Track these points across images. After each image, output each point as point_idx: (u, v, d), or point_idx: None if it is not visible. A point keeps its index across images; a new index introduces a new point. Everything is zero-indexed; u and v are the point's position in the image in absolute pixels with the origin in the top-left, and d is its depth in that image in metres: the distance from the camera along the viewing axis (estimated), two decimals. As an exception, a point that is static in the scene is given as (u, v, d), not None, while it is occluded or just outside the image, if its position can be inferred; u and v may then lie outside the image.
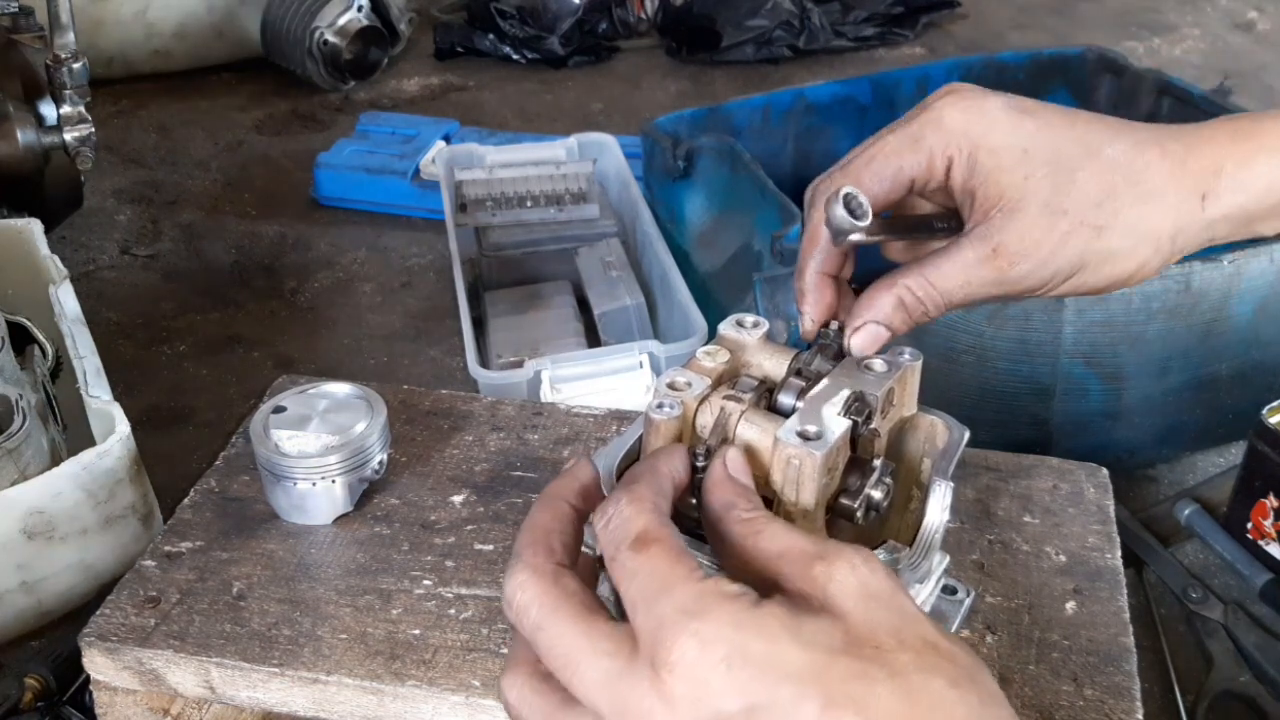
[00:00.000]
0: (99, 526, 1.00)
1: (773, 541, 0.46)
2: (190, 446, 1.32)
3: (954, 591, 0.62)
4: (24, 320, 1.17)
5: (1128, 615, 0.71)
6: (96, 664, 0.70)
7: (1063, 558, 0.75)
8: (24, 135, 1.47)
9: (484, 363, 1.31)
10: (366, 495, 0.79)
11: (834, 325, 0.63)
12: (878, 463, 0.56)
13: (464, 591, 0.72)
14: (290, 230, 1.83)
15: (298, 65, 2.28)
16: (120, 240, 1.81)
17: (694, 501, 0.56)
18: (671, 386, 0.58)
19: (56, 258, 1.23)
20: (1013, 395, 1.12)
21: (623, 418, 0.88)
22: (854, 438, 0.55)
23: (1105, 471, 0.82)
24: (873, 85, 1.63)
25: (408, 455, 0.83)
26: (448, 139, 1.95)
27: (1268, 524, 1.05)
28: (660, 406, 0.56)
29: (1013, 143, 0.59)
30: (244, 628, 0.70)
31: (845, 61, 2.46)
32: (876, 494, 0.56)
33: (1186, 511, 1.11)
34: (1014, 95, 0.61)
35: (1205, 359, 1.14)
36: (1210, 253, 1.12)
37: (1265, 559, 1.06)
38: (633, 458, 0.59)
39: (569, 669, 0.43)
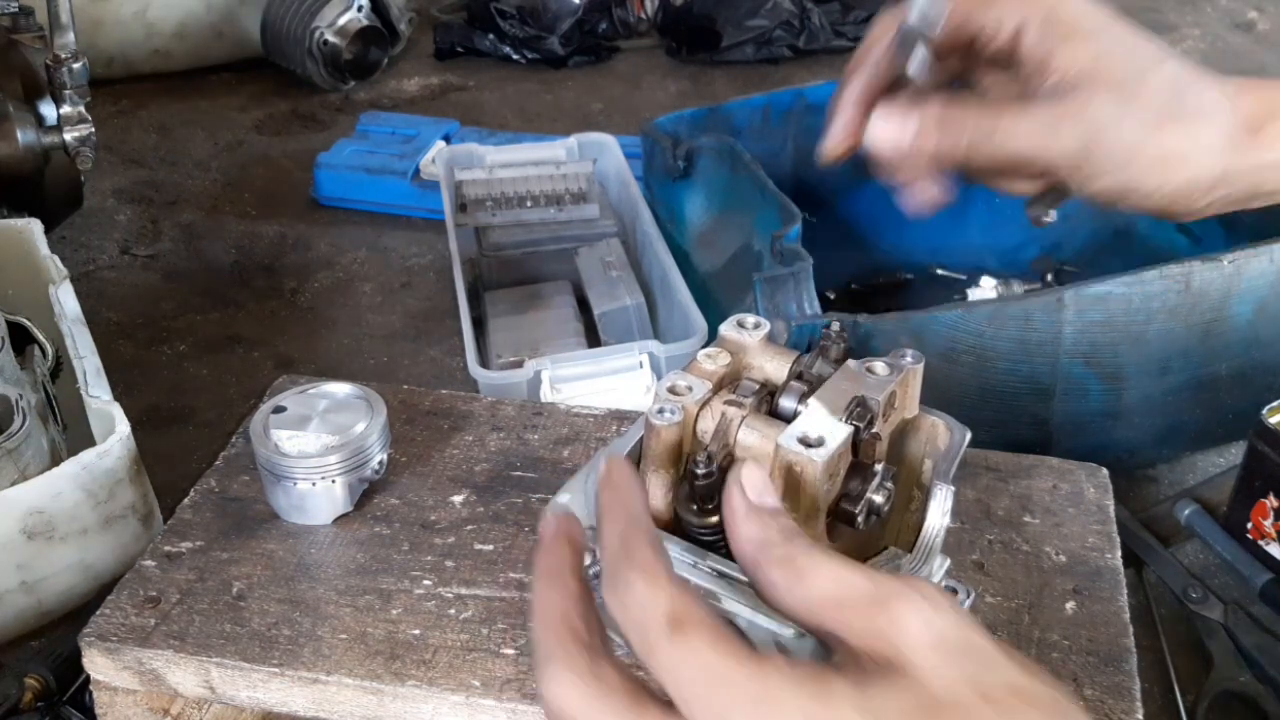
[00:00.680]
0: (99, 526, 1.00)
1: (824, 589, 0.42)
2: (190, 446, 1.32)
3: (954, 592, 0.62)
4: (24, 320, 1.17)
5: (1128, 615, 0.71)
6: (96, 664, 0.70)
7: (1063, 558, 0.75)
8: (24, 135, 1.47)
9: (484, 363, 1.31)
10: (366, 495, 0.79)
11: (834, 325, 0.63)
12: (879, 467, 0.56)
13: (464, 591, 0.72)
14: (290, 230, 1.83)
15: (298, 65, 2.28)
16: (120, 240, 1.81)
17: (694, 508, 0.56)
18: (672, 391, 0.58)
19: (56, 258, 1.23)
20: (1013, 395, 1.12)
21: (623, 418, 0.88)
22: (855, 442, 0.55)
23: (1105, 471, 0.83)
24: (873, 85, 1.62)
25: (408, 455, 0.83)
26: (448, 139, 1.95)
27: (1268, 524, 1.05)
28: (661, 412, 0.56)
29: (1088, 21, 0.61)
30: (244, 628, 0.70)
31: (845, 61, 2.45)
32: (878, 499, 0.56)
33: (1186, 511, 1.11)
34: None
35: (1205, 359, 1.14)
36: (1210, 253, 1.12)
37: (1265, 559, 1.06)
38: (634, 460, 0.59)
39: None
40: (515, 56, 2.48)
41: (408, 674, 0.66)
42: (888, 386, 0.58)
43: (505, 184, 1.59)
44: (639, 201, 1.54)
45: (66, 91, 1.47)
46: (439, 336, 1.55)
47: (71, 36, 1.46)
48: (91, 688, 0.72)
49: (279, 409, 0.78)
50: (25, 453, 0.99)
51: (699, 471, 0.54)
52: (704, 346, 0.62)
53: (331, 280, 1.70)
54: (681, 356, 1.20)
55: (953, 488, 0.60)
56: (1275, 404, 1.06)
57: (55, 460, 1.01)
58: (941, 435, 0.62)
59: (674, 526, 0.57)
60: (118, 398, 1.03)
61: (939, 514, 0.59)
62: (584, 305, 1.47)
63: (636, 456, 0.59)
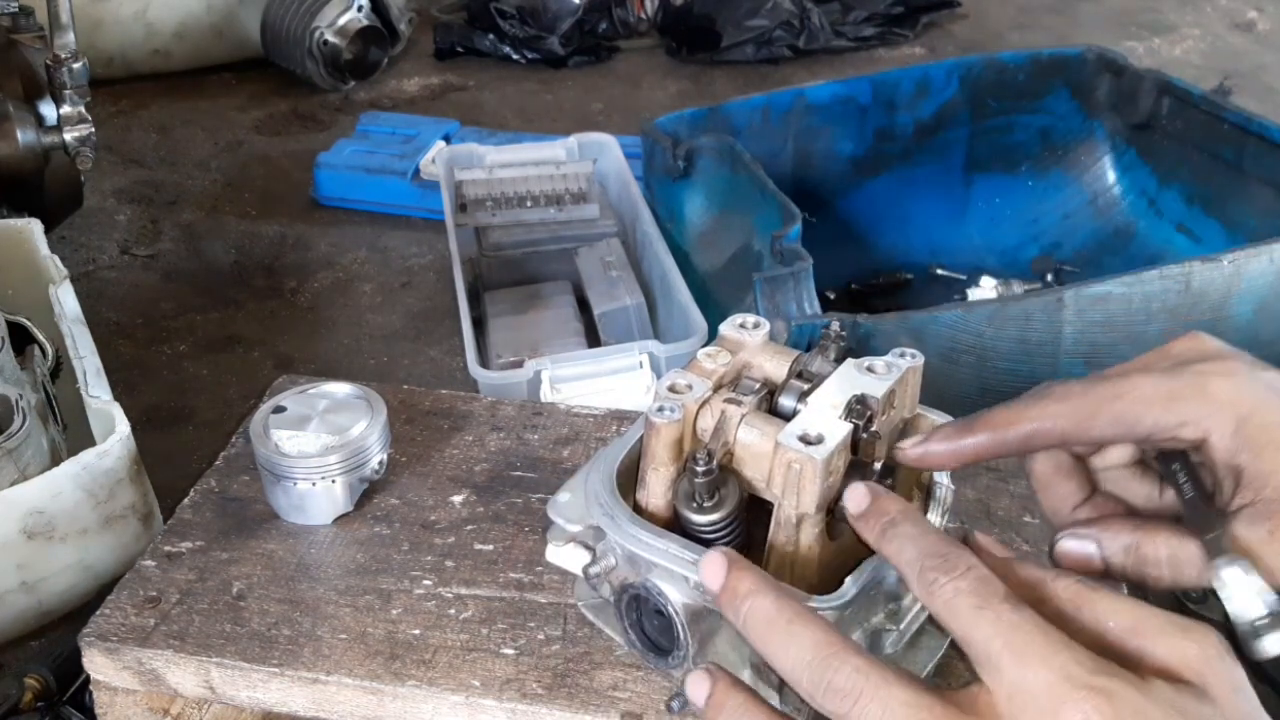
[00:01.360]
0: (99, 526, 1.00)
1: (1117, 616, 0.46)
2: (190, 446, 1.32)
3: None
4: (24, 320, 1.17)
5: (1128, 616, 0.71)
6: (96, 664, 0.70)
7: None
8: (24, 135, 1.47)
9: (484, 363, 1.31)
10: (366, 495, 0.79)
11: (834, 325, 0.63)
12: (879, 466, 0.56)
13: (464, 591, 0.72)
14: (290, 230, 1.83)
15: (298, 65, 2.28)
16: (120, 240, 1.81)
17: (694, 505, 0.56)
18: (672, 389, 0.58)
19: (56, 258, 1.23)
20: (1013, 395, 1.12)
21: (623, 418, 0.88)
22: (855, 440, 0.55)
23: (1105, 472, 0.82)
24: (873, 85, 1.63)
25: (408, 455, 0.83)
26: (448, 139, 1.95)
27: (1268, 524, 1.05)
28: (661, 410, 0.56)
29: None
30: (244, 628, 0.70)
31: (845, 61, 2.46)
32: None
33: (1186, 512, 1.11)
34: (1274, 369, 0.57)
35: (1205, 359, 1.14)
36: (1210, 253, 1.12)
37: (1265, 559, 1.06)
38: (633, 459, 0.59)
39: None
40: (515, 56, 2.48)
41: (408, 674, 0.66)
42: (887, 385, 0.58)
43: (505, 184, 1.59)
44: (639, 201, 1.54)
45: (66, 91, 1.47)
46: (439, 336, 1.55)
47: (71, 36, 1.46)
48: (91, 688, 0.72)
49: (279, 409, 0.78)
50: (25, 453, 0.99)
51: (699, 469, 0.54)
52: (704, 346, 0.62)
53: (331, 280, 1.70)
54: (681, 356, 1.20)
55: (953, 487, 0.60)
56: (1275, 404, 1.06)
57: (55, 460, 1.01)
58: (941, 435, 0.62)
59: (673, 524, 0.57)
60: (118, 398, 1.03)
61: (939, 514, 0.59)
62: (584, 305, 1.47)
63: (636, 455, 0.59)
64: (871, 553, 0.57)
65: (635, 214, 1.54)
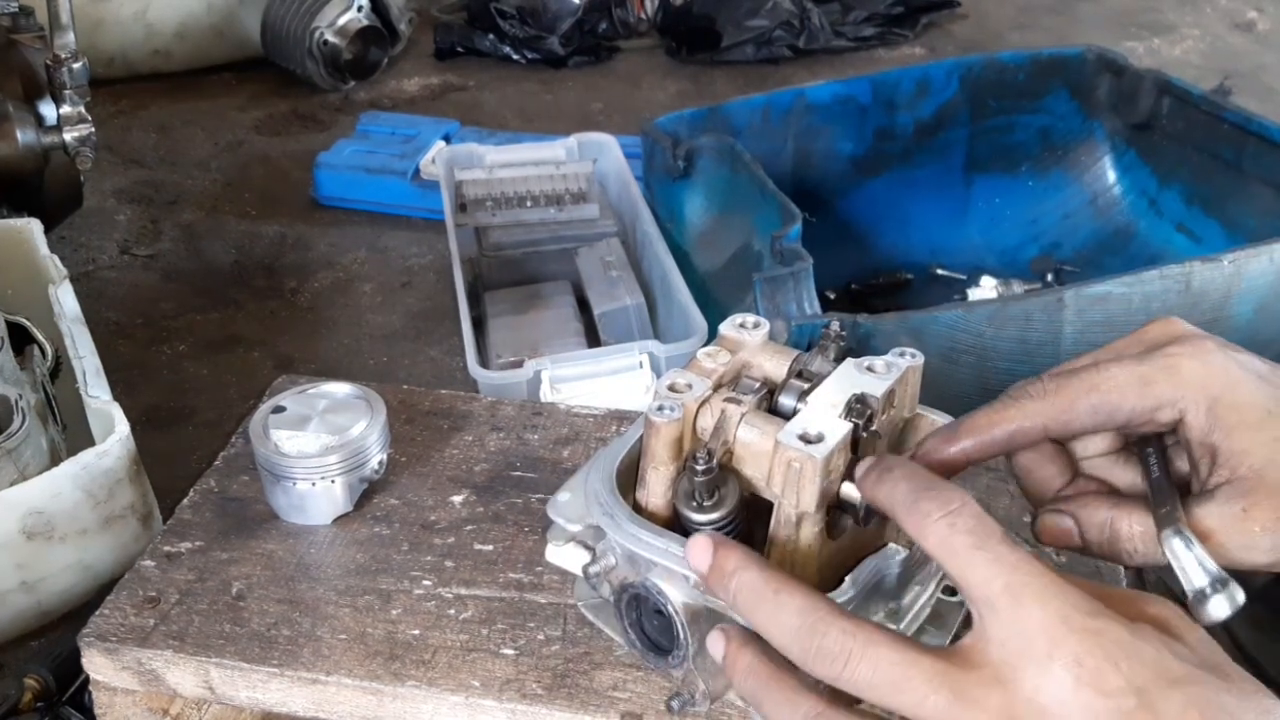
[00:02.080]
0: (98, 526, 1.00)
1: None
2: (190, 446, 1.32)
3: (954, 593, 0.62)
4: (24, 320, 1.17)
5: (1128, 616, 0.71)
6: (96, 664, 0.70)
7: (1063, 558, 0.75)
8: (24, 135, 1.47)
9: (484, 363, 1.31)
10: (366, 495, 0.79)
11: (834, 324, 0.63)
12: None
13: (463, 592, 0.72)
14: (290, 230, 1.83)
15: (298, 65, 2.28)
16: (120, 240, 1.81)
17: (694, 504, 0.56)
18: (672, 388, 0.58)
19: (56, 258, 1.23)
20: (1013, 395, 1.12)
21: (623, 418, 0.88)
22: (855, 440, 0.55)
23: (1105, 472, 0.82)
24: (873, 85, 1.63)
25: (407, 455, 0.83)
26: (448, 139, 1.95)
27: (1268, 524, 1.05)
28: (661, 409, 0.56)
29: (1257, 401, 0.56)
30: (243, 628, 0.70)
31: (845, 61, 2.46)
32: None
33: (1187, 512, 1.11)
34: (1246, 352, 0.58)
35: (1205, 359, 1.14)
36: (1210, 253, 1.12)
37: (1265, 559, 1.06)
38: (633, 459, 0.59)
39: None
40: (515, 56, 2.48)
41: (407, 674, 0.66)
42: (887, 384, 0.58)
43: (505, 184, 1.59)
44: (639, 201, 1.54)
45: (66, 91, 1.47)
46: (439, 336, 1.55)
47: (71, 36, 1.46)
48: (91, 688, 0.72)
49: (279, 409, 0.78)
50: (25, 453, 0.99)
51: (699, 468, 0.54)
52: (704, 346, 0.62)
53: (331, 280, 1.70)
54: (681, 356, 1.20)
55: (952, 487, 0.60)
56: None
57: (55, 460, 1.01)
58: (941, 435, 0.62)
59: (673, 523, 0.57)
60: (117, 398, 1.03)
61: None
62: (584, 305, 1.47)
63: (636, 455, 0.59)
64: (872, 552, 0.57)
65: (635, 214, 1.54)
